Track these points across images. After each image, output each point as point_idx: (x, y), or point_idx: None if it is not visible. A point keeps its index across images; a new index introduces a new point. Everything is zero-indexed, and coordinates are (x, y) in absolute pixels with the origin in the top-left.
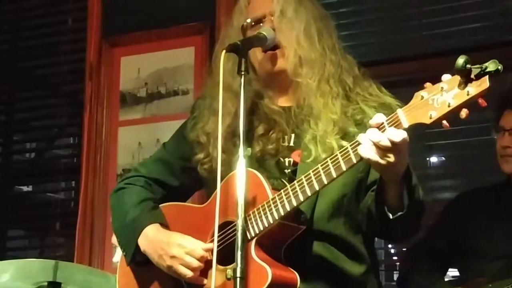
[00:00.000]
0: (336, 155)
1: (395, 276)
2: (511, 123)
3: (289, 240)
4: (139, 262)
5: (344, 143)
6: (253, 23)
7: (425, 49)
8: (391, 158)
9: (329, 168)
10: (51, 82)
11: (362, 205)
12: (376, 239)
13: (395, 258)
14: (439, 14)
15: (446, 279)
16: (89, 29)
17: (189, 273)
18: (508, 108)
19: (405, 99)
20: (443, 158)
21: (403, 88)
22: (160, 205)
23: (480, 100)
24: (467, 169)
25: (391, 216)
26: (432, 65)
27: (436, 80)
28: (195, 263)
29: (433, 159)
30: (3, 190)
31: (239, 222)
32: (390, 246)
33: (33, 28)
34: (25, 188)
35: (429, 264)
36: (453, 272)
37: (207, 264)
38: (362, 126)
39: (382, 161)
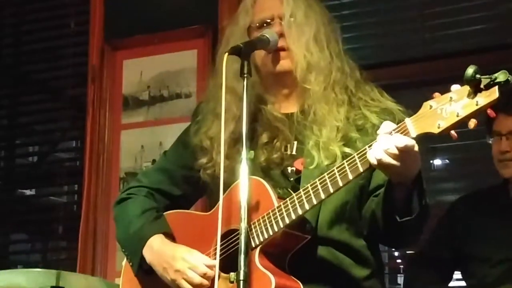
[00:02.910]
0: (343, 163)
1: (399, 279)
2: (507, 127)
3: (293, 250)
4: (145, 270)
5: (347, 149)
6: (257, 24)
7: (427, 52)
8: (397, 164)
9: (336, 177)
10: (54, 86)
11: (364, 210)
12: None
13: (399, 261)
14: (441, 16)
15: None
16: (92, 33)
17: None
18: (501, 112)
19: (407, 102)
20: (447, 161)
21: (405, 91)
22: (164, 213)
23: (489, 111)
24: (470, 171)
25: (398, 219)
26: (434, 67)
27: (438, 82)
28: (197, 280)
29: (437, 162)
30: (5, 194)
31: (242, 225)
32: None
33: (36, 32)
34: (27, 192)
35: (432, 273)
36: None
37: (212, 278)
38: (363, 131)
39: (388, 169)
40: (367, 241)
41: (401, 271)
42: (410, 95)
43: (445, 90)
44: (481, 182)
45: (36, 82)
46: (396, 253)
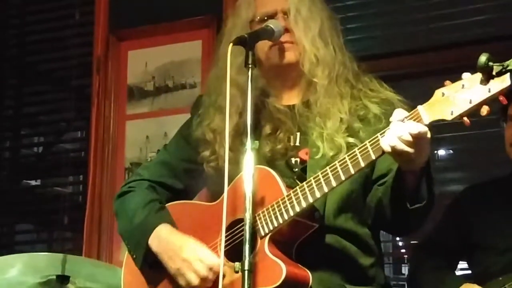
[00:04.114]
0: (354, 151)
1: (403, 269)
2: None
3: (301, 238)
4: (148, 264)
5: (351, 140)
6: (258, 18)
7: (431, 42)
8: (410, 151)
9: (347, 165)
10: (59, 76)
11: (368, 199)
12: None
13: (403, 250)
14: (445, 6)
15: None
16: (97, 23)
17: (194, 281)
18: None
19: (411, 92)
20: (451, 151)
21: (409, 81)
22: (168, 204)
23: (501, 98)
24: (474, 161)
25: (409, 206)
26: (438, 58)
27: (442, 72)
28: (203, 272)
29: (441, 152)
30: (11, 184)
31: (247, 215)
32: (398, 238)
33: (41, 22)
34: (33, 182)
35: (437, 261)
36: (462, 265)
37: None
38: (365, 121)
39: (401, 156)
40: (370, 230)
41: (406, 261)
42: (414, 85)
43: (450, 79)
44: (485, 172)
45: (41, 72)
46: (400, 243)
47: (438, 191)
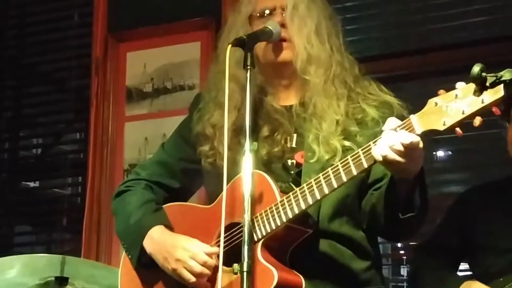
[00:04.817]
0: (347, 159)
1: (402, 270)
2: None
3: (295, 243)
4: (144, 264)
5: (347, 143)
6: (258, 13)
7: (430, 43)
8: (402, 161)
9: (340, 172)
10: (57, 78)
11: (363, 203)
12: None
13: (402, 252)
14: (444, 8)
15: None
16: (95, 24)
17: (191, 278)
18: None
19: (409, 94)
20: (449, 152)
21: (408, 82)
22: (164, 206)
23: (494, 109)
24: (473, 163)
25: (401, 216)
26: (436, 59)
27: (441, 73)
28: (198, 268)
29: (440, 153)
30: (10, 186)
31: (246, 216)
32: None
33: (39, 24)
34: (31, 184)
35: (439, 262)
36: (464, 266)
37: (214, 267)
38: (362, 125)
39: (392, 166)
40: (366, 233)
41: (404, 262)
42: (413, 87)
43: (448, 80)
44: (484, 174)
45: (40, 74)
46: (399, 244)
47: (437, 192)
